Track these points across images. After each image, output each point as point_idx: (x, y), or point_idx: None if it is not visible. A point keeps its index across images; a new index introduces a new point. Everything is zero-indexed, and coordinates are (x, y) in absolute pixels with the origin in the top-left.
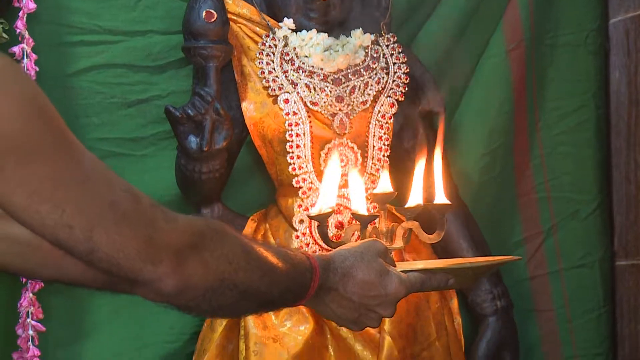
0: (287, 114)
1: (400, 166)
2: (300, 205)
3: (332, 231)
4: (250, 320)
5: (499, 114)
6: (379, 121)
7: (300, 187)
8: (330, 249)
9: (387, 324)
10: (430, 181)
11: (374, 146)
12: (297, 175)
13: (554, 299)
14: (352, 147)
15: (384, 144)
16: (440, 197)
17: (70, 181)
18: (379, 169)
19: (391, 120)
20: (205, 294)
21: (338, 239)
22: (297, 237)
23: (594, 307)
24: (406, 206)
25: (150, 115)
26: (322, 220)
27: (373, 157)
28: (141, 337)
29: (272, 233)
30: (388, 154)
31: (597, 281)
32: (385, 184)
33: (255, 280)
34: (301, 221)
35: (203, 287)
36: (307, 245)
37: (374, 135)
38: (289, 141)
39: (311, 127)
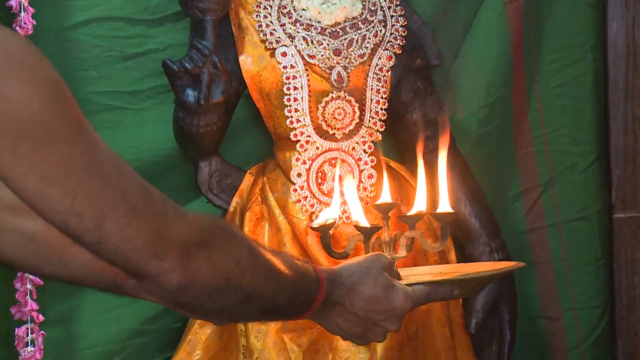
0: (285, 67)
1: (398, 119)
2: (298, 159)
3: (329, 184)
4: None
5: (496, 66)
6: (376, 74)
7: (298, 141)
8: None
9: None
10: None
11: (371, 99)
12: (294, 129)
13: (552, 252)
14: (350, 101)
15: (382, 97)
16: (444, 206)
17: (84, 169)
18: (376, 122)
19: (389, 74)
20: (211, 293)
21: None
22: (295, 190)
23: (591, 260)
24: (409, 214)
25: (148, 68)
26: (324, 231)
27: (371, 110)
28: None
29: (269, 186)
30: (386, 107)
31: (595, 234)
32: (386, 194)
33: (261, 283)
34: (299, 175)
35: (208, 286)
36: (305, 198)
37: (372, 88)
38: (286, 94)
39: (309, 80)
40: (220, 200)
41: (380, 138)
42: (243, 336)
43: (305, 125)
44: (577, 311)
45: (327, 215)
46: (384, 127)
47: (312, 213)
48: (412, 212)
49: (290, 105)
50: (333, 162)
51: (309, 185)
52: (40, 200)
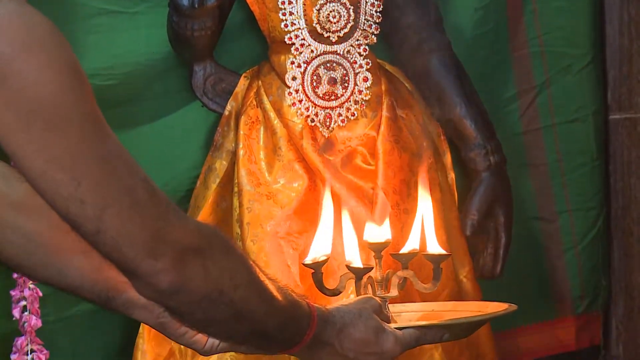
0: None
1: (393, 22)
2: (292, 62)
3: (325, 87)
4: (244, 177)
5: None
6: None
7: (293, 44)
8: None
9: (380, 179)
10: None
11: (366, 2)
12: (289, 32)
13: (548, 153)
14: (345, 3)
15: (377, 0)
16: (435, 247)
17: (92, 157)
18: (371, 25)
19: None
20: (201, 302)
21: (330, 96)
22: (290, 94)
23: (587, 161)
24: (401, 252)
25: None
26: (316, 268)
27: (366, 13)
28: None
29: (264, 90)
30: (381, 9)
31: (590, 135)
32: (380, 232)
33: (252, 303)
34: (294, 78)
35: (199, 294)
36: (300, 101)
37: None
38: None
39: None
40: (214, 104)
41: (375, 41)
42: (239, 240)
43: (299, 28)
44: (573, 212)
45: (317, 251)
46: (379, 30)
47: (307, 116)
48: (405, 250)
49: (284, 8)
50: (328, 65)
51: (304, 89)
52: (45, 183)
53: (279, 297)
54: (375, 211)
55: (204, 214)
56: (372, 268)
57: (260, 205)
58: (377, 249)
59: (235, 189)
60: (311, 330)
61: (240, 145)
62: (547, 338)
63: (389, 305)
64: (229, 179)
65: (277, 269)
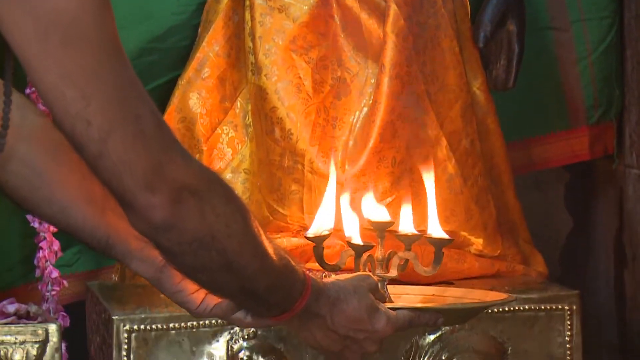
0: None
1: None
2: None
3: None
4: None
5: None
6: None
7: None
8: None
9: None
10: None
11: None
12: None
13: None
14: None
15: None
16: (438, 230)
17: (105, 80)
18: None
19: None
20: (192, 244)
21: None
22: None
23: None
24: (404, 233)
25: None
26: (318, 242)
27: None
28: (146, 8)
29: None
30: None
31: None
32: (383, 212)
33: (245, 256)
34: None
35: (192, 235)
36: None
37: None
38: None
39: None
40: None
41: None
42: (252, 53)
43: None
44: (586, 22)
45: (320, 226)
46: None
47: None
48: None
49: None
50: None
51: None
52: (55, 98)
53: (274, 257)
54: (388, 24)
55: (217, 28)
56: (373, 246)
57: (272, 18)
58: (380, 228)
59: (247, 2)
60: (303, 299)
61: None
62: (561, 148)
63: (387, 285)
64: None
65: (289, 82)
